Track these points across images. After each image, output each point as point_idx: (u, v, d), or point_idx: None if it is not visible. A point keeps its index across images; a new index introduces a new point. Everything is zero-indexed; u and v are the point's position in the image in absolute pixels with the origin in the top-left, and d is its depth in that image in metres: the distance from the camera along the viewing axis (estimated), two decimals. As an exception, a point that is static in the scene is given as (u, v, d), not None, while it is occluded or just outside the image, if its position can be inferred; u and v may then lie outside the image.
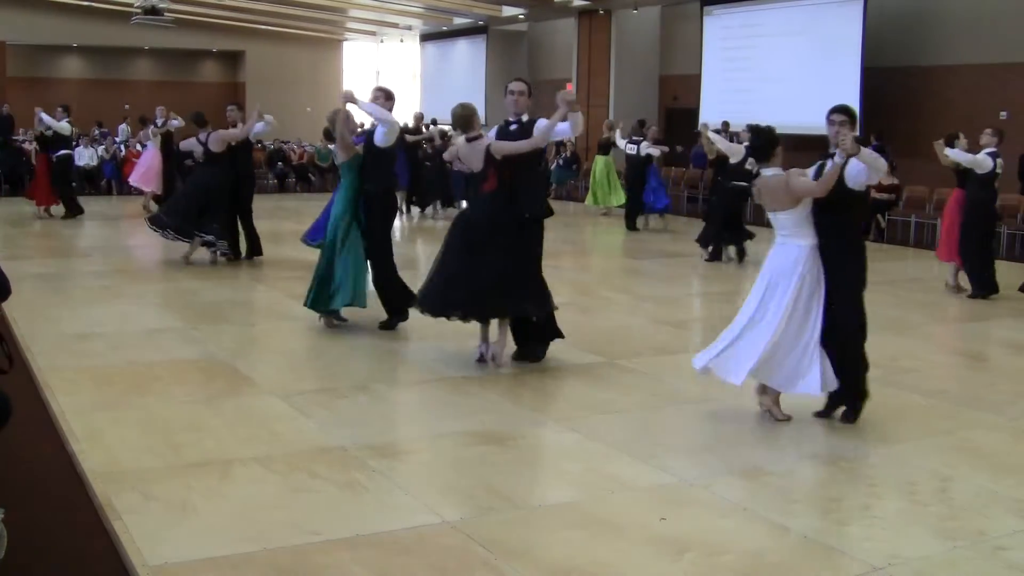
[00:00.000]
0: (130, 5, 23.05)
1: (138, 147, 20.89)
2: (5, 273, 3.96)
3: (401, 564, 3.77)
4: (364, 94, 7.54)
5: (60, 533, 4.03)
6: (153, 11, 22.35)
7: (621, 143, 15.97)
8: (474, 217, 6.62)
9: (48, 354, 6.77)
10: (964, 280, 10.10)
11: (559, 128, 6.48)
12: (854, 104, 17.11)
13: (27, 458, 4.86)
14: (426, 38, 30.35)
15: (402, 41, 31.43)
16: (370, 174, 7.63)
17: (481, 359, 6.71)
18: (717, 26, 20.76)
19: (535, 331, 6.83)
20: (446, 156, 7.77)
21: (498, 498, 4.43)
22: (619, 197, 17.06)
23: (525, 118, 6.63)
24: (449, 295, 6.49)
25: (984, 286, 9.89)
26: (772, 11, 19.43)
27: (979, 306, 9.70)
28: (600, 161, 17.57)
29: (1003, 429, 5.69)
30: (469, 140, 6.62)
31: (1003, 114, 15.88)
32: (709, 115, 20.62)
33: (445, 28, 28.51)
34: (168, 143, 15.92)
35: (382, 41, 32.31)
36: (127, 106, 27.72)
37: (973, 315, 9.35)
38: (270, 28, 29.08)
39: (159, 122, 16.24)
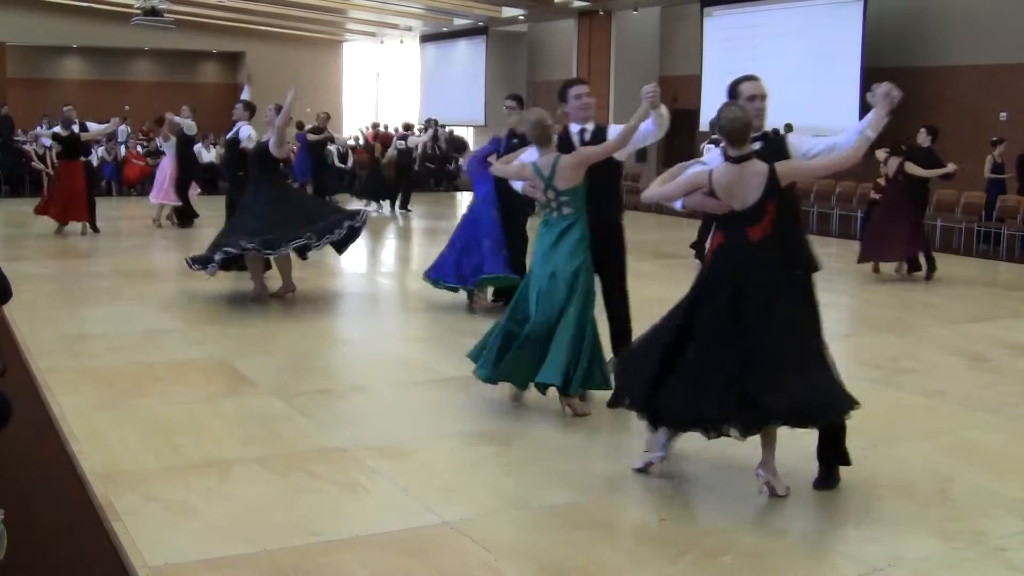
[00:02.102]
0: (130, 6, 23.05)
1: (139, 148, 20.86)
2: (6, 275, 3.96)
3: (401, 564, 3.77)
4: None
5: (60, 533, 4.02)
6: (153, 12, 22.35)
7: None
8: (740, 279, 4.39)
9: (48, 355, 6.76)
10: None
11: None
12: (854, 104, 17.28)
13: (27, 458, 4.86)
14: (426, 39, 30.36)
15: (402, 42, 31.43)
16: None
17: (644, 469, 4.72)
18: (717, 27, 20.75)
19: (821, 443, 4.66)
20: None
21: (498, 498, 4.43)
22: None
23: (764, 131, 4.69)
24: (707, 398, 4.30)
25: None
26: (772, 12, 19.43)
27: (979, 306, 9.71)
28: None
29: (1003, 429, 5.69)
30: (737, 161, 4.42)
31: (1003, 114, 15.89)
32: (709, 115, 20.59)
33: (445, 29, 28.50)
34: (186, 147, 15.00)
35: (382, 42, 32.30)
36: (127, 107, 27.73)
37: (973, 315, 9.35)
38: (270, 29, 29.08)
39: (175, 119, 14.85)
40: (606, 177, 5.64)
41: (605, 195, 5.66)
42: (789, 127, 16.35)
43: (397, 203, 18.19)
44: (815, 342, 4.41)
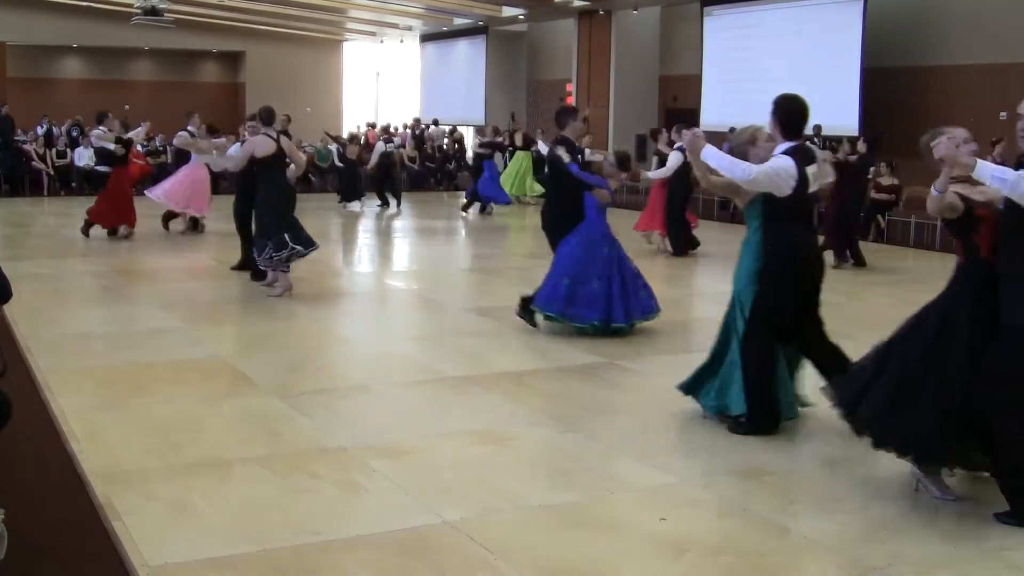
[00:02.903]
0: (130, 5, 23.03)
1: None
2: (6, 275, 3.96)
3: (401, 564, 3.77)
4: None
5: (60, 533, 4.03)
6: (153, 11, 22.31)
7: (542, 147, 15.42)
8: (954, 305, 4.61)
9: (48, 354, 6.77)
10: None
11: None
12: (854, 104, 17.29)
13: (27, 458, 4.86)
14: (426, 38, 30.35)
15: (402, 41, 31.42)
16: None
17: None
18: (717, 26, 20.76)
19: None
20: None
21: (498, 498, 4.43)
22: (533, 188, 18.75)
23: None
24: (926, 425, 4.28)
25: (679, 249, 12.46)
26: (772, 11, 19.44)
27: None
28: (520, 155, 19.12)
29: (1003, 429, 5.67)
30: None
31: (1003, 114, 15.85)
32: (709, 115, 20.65)
33: (445, 28, 28.50)
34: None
35: (382, 41, 32.29)
36: (127, 107, 27.71)
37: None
38: (270, 28, 29.06)
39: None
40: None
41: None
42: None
43: (371, 200, 18.29)
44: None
